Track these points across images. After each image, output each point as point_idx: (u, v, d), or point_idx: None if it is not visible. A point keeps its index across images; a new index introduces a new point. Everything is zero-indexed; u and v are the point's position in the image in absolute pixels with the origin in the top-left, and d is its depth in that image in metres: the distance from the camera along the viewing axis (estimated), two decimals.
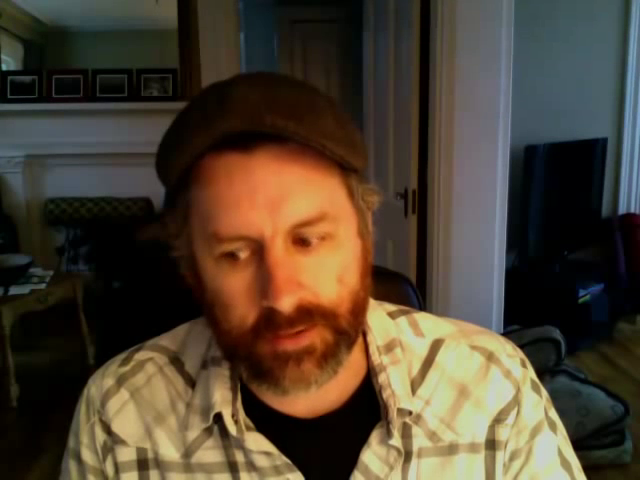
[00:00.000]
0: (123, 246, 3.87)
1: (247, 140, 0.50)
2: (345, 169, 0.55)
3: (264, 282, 0.49)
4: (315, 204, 0.51)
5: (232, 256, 0.51)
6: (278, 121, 0.49)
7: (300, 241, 0.51)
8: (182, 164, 0.51)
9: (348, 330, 0.53)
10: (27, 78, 3.93)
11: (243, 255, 0.51)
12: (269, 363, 0.52)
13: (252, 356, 0.52)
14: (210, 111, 0.51)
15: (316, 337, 0.52)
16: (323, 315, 0.52)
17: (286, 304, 0.49)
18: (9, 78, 3.92)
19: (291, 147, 0.50)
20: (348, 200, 0.55)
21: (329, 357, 0.52)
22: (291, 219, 0.50)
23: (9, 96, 3.89)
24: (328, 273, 0.52)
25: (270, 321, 0.50)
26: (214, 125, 0.50)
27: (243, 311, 0.51)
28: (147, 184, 3.87)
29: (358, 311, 0.55)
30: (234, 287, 0.51)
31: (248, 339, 0.52)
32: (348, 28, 4.58)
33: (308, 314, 0.51)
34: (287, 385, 0.52)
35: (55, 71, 3.94)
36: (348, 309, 0.53)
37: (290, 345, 0.51)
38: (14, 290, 2.86)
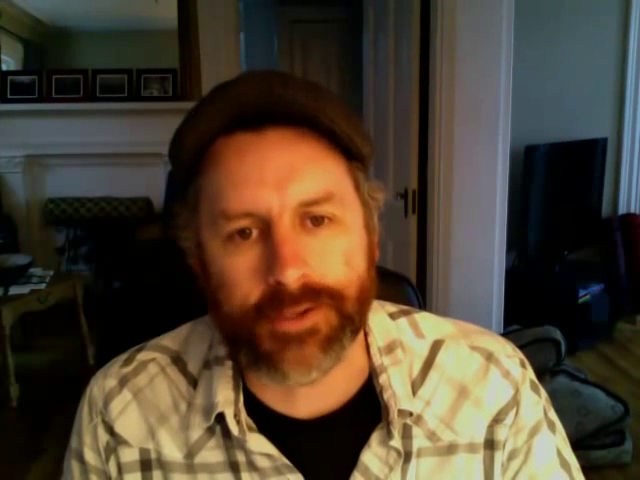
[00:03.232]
0: (123, 246, 3.87)
1: (258, 121, 0.53)
2: (351, 159, 0.57)
3: (270, 258, 0.50)
4: (322, 184, 0.52)
5: (239, 235, 0.52)
6: (289, 93, 0.51)
7: (307, 222, 0.52)
8: (196, 141, 0.54)
9: (353, 315, 0.53)
10: (27, 78, 3.92)
11: (250, 234, 0.52)
12: (268, 344, 0.51)
13: (252, 338, 0.52)
14: (223, 87, 0.54)
15: (320, 318, 0.51)
16: (330, 295, 0.51)
17: (291, 277, 0.49)
18: (9, 78, 3.91)
19: (300, 129, 0.53)
20: (354, 191, 0.57)
21: (333, 341, 0.52)
22: (298, 197, 0.51)
23: (9, 96, 3.88)
24: (335, 256, 0.52)
25: (274, 298, 0.50)
26: (228, 96, 0.53)
27: (247, 290, 0.51)
28: (147, 184, 3.91)
29: (364, 299, 0.55)
30: (239, 266, 0.52)
31: (250, 319, 0.51)
32: (348, 28, 4.59)
33: (314, 293, 0.51)
34: (286, 369, 0.51)
35: (55, 71, 3.93)
36: (355, 294, 0.53)
37: (292, 326, 0.51)
38: (14, 290, 2.86)
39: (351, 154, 0.57)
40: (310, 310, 0.51)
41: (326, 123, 0.53)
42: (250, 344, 0.52)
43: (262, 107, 0.52)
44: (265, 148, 0.52)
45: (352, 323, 0.54)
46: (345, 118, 0.54)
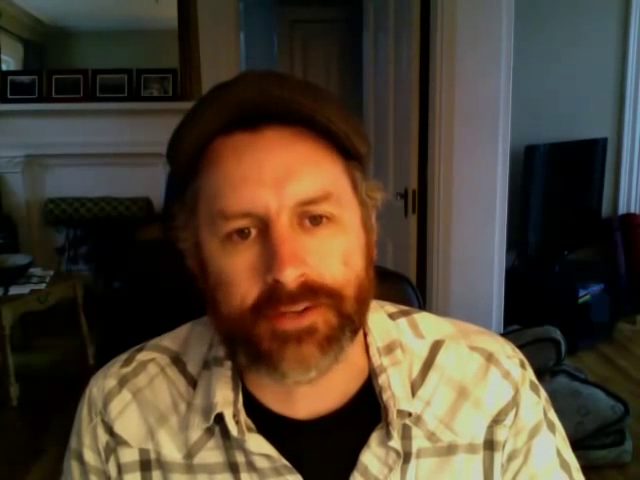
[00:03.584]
0: (123, 246, 3.87)
1: (255, 120, 0.53)
2: (349, 159, 0.57)
3: (269, 257, 0.50)
4: (319, 183, 0.52)
5: (238, 235, 0.52)
6: (286, 93, 0.51)
7: (305, 222, 0.52)
8: (195, 141, 0.54)
9: (352, 315, 0.53)
10: (27, 78, 3.92)
11: (249, 234, 0.52)
12: (267, 344, 0.51)
13: (251, 338, 0.52)
14: (221, 88, 0.54)
15: (319, 318, 0.51)
16: (328, 294, 0.51)
17: (289, 276, 0.49)
18: (9, 78, 3.91)
19: (297, 128, 0.53)
20: (352, 191, 0.57)
21: (332, 341, 0.52)
22: (296, 196, 0.51)
23: (9, 96, 3.88)
24: (333, 255, 0.53)
25: (272, 297, 0.50)
26: (225, 96, 0.53)
27: (245, 289, 0.51)
28: (147, 184, 3.91)
29: (362, 299, 0.55)
30: (237, 265, 0.52)
31: (248, 319, 0.52)
32: (348, 28, 4.59)
33: (312, 292, 0.51)
34: (285, 368, 0.51)
35: (55, 71, 3.94)
36: (353, 294, 0.53)
37: (290, 324, 0.51)
38: (14, 290, 2.86)
39: (349, 154, 0.57)
40: (308, 309, 0.51)
41: (323, 122, 0.53)
42: (249, 344, 0.52)
43: (260, 107, 0.52)
44: (263, 148, 0.52)
45: (351, 323, 0.54)
46: (343, 118, 0.54)
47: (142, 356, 0.65)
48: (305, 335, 0.51)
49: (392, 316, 0.65)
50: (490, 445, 0.60)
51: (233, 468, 0.58)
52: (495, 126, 2.49)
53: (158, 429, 0.60)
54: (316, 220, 0.53)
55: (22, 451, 2.43)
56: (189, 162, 0.56)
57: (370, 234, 0.58)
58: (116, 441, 0.61)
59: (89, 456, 0.62)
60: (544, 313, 3.08)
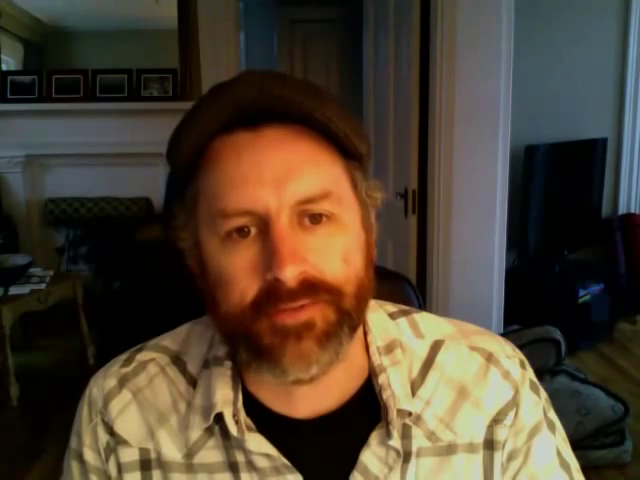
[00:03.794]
0: (123, 246, 3.87)
1: (255, 119, 0.53)
2: (348, 159, 0.57)
3: (269, 255, 0.50)
4: (319, 182, 0.53)
5: (238, 233, 0.52)
6: (286, 92, 0.51)
7: (305, 221, 0.52)
8: (195, 141, 0.54)
9: (351, 312, 0.53)
10: (27, 78, 3.92)
11: (249, 233, 0.52)
12: (268, 339, 0.51)
13: (251, 334, 0.52)
14: (221, 88, 0.53)
15: (317, 313, 0.51)
16: (328, 291, 0.52)
17: (289, 274, 0.49)
18: (9, 78, 3.91)
19: (297, 127, 0.53)
20: (352, 190, 0.57)
21: (330, 336, 0.52)
22: (296, 195, 0.51)
23: (9, 96, 3.88)
24: (333, 253, 0.53)
25: (272, 294, 0.50)
26: (225, 96, 0.52)
27: (244, 286, 0.52)
28: (147, 184, 3.91)
29: (362, 297, 0.55)
30: (237, 264, 0.52)
31: (247, 316, 0.52)
32: (348, 28, 4.59)
33: (312, 288, 0.51)
34: (286, 363, 0.51)
35: (55, 71, 3.93)
36: (353, 291, 0.53)
37: (289, 319, 0.51)
38: (14, 290, 2.86)
39: (349, 153, 0.57)
40: (307, 305, 0.51)
41: (323, 121, 0.53)
42: (250, 340, 0.52)
43: (260, 106, 0.52)
44: (262, 147, 0.52)
45: (350, 319, 0.54)
46: (342, 117, 0.54)
47: (142, 356, 0.65)
48: (304, 330, 0.51)
49: (392, 316, 0.65)
50: (490, 445, 0.60)
51: (233, 467, 0.58)
52: (495, 126, 2.49)
53: (158, 429, 0.60)
54: (316, 219, 0.53)
55: (22, 451, 2.43)
56: (189, 162, 0.56)
57: (370, 234, 0.58)
58: (116, 441, 0.61)
59: (89, 456, 0.62)
60: (544, 313, 3.08)
